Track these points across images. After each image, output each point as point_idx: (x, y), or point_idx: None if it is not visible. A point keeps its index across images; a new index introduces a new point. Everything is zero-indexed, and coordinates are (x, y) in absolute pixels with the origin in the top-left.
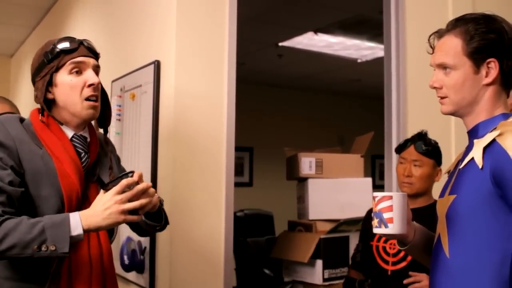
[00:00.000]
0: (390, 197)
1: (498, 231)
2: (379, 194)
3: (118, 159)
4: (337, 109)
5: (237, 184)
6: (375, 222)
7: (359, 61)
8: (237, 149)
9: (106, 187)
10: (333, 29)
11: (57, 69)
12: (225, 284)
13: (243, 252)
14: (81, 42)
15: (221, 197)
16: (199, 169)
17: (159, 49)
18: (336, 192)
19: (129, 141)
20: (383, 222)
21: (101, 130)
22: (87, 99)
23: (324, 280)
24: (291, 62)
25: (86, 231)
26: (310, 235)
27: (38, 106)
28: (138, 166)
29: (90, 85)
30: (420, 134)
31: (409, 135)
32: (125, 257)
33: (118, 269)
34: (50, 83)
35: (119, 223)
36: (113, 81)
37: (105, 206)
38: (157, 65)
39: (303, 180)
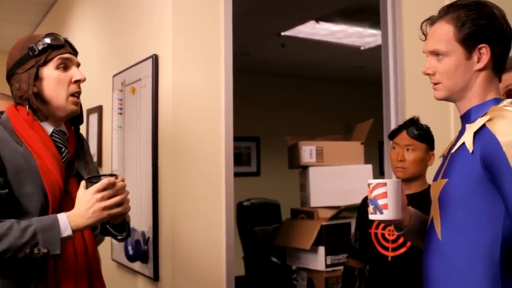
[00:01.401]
0: (384, 184)
1: (488, 214)
2: (373, 181)
3: (90, 156)
4: (342, 96)
5: (244, 174)
6: (370, 208)
7: (362, 48)
8: (244, 139)
9: (87, 184)
10: (334, 18)
11: (45, 63)
12: (227, 273)
13: (250, 241)
14: (65, 40)
15: (221, 187)
16: (199, 160)
17: (157, 43)
18: (337, 179)
19: (131, 134)
20: (378, 209)
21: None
22: (73, 94)
23: (327, 266)
24: (295, 51)
25: (75, 231)
26: (312, 222)
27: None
28: (139, 157)
29: (76, 81)
30: (412, 119)
31: None
32: (129, 248)
33: (123, 259)
34: (36, 77)
35: (103, 219)
36: (114, 75)
37: (88, 205)
38: (155, 59)
39: (304, 168)
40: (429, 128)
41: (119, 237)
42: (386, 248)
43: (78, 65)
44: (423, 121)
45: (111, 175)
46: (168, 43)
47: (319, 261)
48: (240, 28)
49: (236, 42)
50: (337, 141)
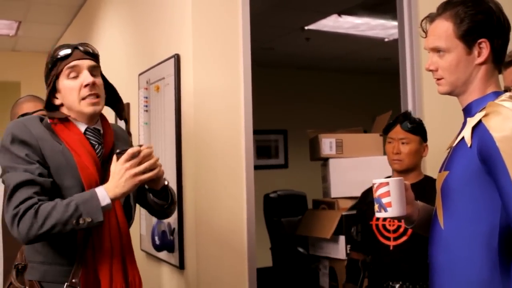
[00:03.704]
0: (387, 183)
1: (486, 204)
2: (377, 181)
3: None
4: (368, 89)
5: (273, 166)
6: (376, 207)
7: (386, 40)
8: (272, 132)
9: (117, 157)
10: (356, 11)
11: (57, 76)
12: (249, 262)
13: (277, 232)
14: (75, 47)
15: (242, 179)
16: (220, 154)
17: (178, 43)
18: (357, 170)
19: (156, 130)
20: (382, 207)
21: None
22: (85, 98)
23: (347, 255)
24: (319, 44)
25: (113, 200)
26: (332, 212)
27: None
28: (165, 152)
29: (86, 85)
30: (405, 114)
31: (425, 113)
32: (156, 238)
33: (151, 249)
34: (55, 90)
35: (137, 184)
36: (139, 74)
37: (119, 175)
38: (177, 58)
39: (325, 160)
40: (421, 121)
41: (165, 206)
42: (388, 238)
43: (91, 67)
44: (440, 113)
45: (139, 145)
46: (188, 42)
47: (340, 250)
48: (264, 23)
49: (260, 38)
50: (356, 133)
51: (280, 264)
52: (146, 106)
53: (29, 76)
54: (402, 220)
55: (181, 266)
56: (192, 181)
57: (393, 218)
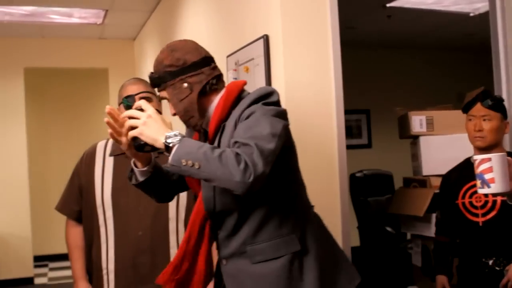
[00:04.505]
0: (489, 159)
1: None
2: (478, 157)
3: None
4: (452, 65)
5: (356, 146)
6: (478, 183)
7: (471, 14)
8: (354, 111)
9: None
10: None
11: None
12: (343, 242)
13: (364, 211)
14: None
15: (334, 158)
16: (312, 133)
17: (266, 24)
18: (448, 148)
19: None
20: (485, 183)
21: None
22: None
23: (434, 239)
24: (401, 22)
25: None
26: (424, 190)
27: None
28: None
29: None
30: (484, 91)
31: None
32: None
33: None
34: None
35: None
36: (227, 56)
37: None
38: (266, 39)
39: (415, 138)
40: (502, 98)
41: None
42: (476, 215)
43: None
44: None
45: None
46: (277, 23)
47: (432, 228)
48: (345, 2)
49: (341, 17)
50: (447, 110)
51: (368, 243)
52: None
53: (116, 63)
54: (489, 195)
55: None
56: None
57: (496, 195)
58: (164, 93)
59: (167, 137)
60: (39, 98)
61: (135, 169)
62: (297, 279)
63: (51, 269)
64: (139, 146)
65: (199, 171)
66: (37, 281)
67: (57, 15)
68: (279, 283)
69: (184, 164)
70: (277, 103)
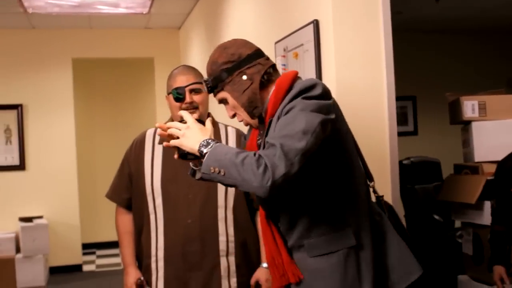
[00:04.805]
0: None
1: None
2: None
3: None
4: (503, 50)
5: (401, 134)
6: None
7: None
8: (400, 98)
9: None
10: None
11: None
12: None
13: (411, 199)
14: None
15: (385, 145)
16: (362, 119)
17: (317, 9)
18: (502, 133)
19: None
20: None
21: None
22: None
23: (491, 228)
24: (450, 5)
25: None
26: (476, 177)
27: None
28: None
29: None
30: None
31: None
32: None
33: None
34: None
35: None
36: (276, 42)
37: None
38: (316, 24)
39: (467, 124)
40: None
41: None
42: None
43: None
44: None
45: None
46: (328, 8)
47: (485, 216)
48: None
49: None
50: (500, 95)
51: (415, 231)
52: None
53: (161, 52)
54: None
55: None
56: None
57: None
58: (222, 94)
59: (201, 145)
60: (86, 88)
61: (194, 168)
62: (353, 277)
63: (99, 257)
64: (182, 155)
65: (225, 178)
66: (86, 268)
67: (104, 6)
68: (335, 278)
69: (212, 171)
70: (320, 96)
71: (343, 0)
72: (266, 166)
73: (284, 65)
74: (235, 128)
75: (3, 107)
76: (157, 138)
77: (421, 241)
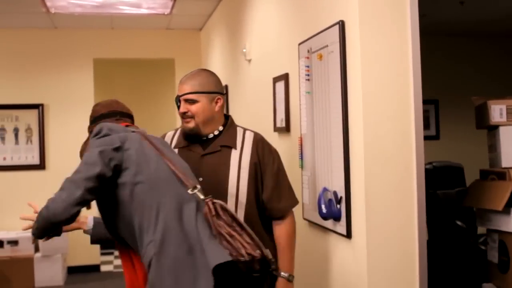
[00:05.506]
0: None
1: None
2: None
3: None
4: None
5: (423, 138)
6: None
7: None
8: (423, 102)
9: None
10: None
11: None
12: (419, 235)
13: (433, 204)
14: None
15: (411, 149)
16: (389, 122)
17: (342, 10)
18: None
19: (319, 99)
20: None
21: None
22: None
23: None
24: (474, 8)
25: None
26: (503, 183)
27: None
28: (329, 121)
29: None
30: None
31: None
32: (323, 207)
33: (315, 218)
34: None
35: None
36: (299, 43)
37: None
38: (341, 25)
39: (493, 129)
40: None
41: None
42: None
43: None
44: None
45: None
46: (354, 8)
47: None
48: None
49: None
50: None
51: (436, 237)
52: (308, 75)
53: (182, 53)
54: None
55: (348, 235)
56: (360, 150)
57: None
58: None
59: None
60: (107, 88)
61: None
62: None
63: (116, 257)
64: None
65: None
66: (103, 268)
67: (126, 6)
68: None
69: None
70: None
71: (370, 0)
72: None
73: (307, 66)
74: (254, 132)
75: (24, 107)
76: (174, 142)
77: (443, 247)
